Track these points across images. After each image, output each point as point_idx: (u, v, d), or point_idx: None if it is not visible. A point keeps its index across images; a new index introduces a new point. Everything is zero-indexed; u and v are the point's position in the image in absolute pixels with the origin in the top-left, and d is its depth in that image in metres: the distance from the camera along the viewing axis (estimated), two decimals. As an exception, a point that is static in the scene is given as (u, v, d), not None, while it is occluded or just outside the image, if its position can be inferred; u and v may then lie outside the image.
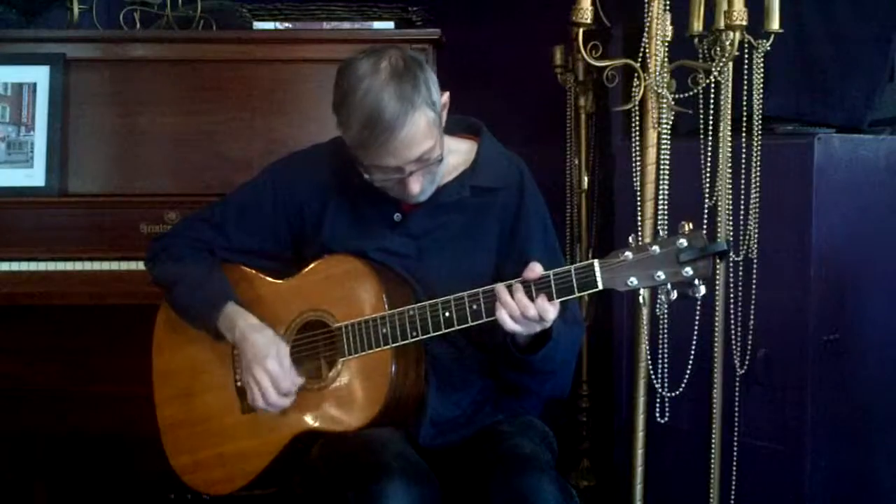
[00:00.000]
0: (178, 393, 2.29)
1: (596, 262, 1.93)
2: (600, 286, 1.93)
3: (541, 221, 2.23)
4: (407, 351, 2.09)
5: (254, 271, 2.26)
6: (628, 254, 1.92)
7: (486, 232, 2.19)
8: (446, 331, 2.04)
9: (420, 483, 1.98)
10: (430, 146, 2.05)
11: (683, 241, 1.89)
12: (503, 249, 2.19)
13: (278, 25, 3.01)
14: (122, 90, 2.92)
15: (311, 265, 2.19)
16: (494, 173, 2.20)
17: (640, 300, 2.53)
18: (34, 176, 2.87)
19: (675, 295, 1.91)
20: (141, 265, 2.74)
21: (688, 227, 1.91)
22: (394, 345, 2.07)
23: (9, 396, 3.03)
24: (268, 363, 2.11)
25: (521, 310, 1.94)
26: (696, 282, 1.89)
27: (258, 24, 3.02)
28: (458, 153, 2.20)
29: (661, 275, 1.90)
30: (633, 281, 1.92)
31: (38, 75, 2.90)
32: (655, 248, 1.90)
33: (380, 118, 1.99)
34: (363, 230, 2.19)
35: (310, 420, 2.14)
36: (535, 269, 1.96)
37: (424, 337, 2.06)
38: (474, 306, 2.01)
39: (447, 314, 2.03)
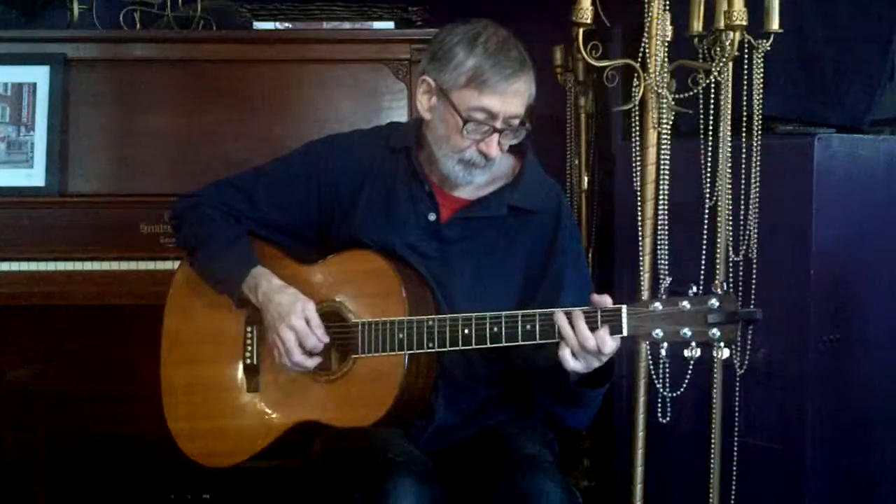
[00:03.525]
0: (185, 359, 2.28)
1: (624, 308, 1.91)
2: (625, 332, 1.91)
3: (575, 251, 2.23)
4: (419, 359, 2.09)
5: (278, 251, 2.25)
6: (657, 304, 1.89)
7: (515, 253, 2.18)
8: (463, 348, 2.03)
9: (429, 481, 1.97)
10: (523, 116, 2.11)
11: (715, 302, 1.86)
12: (533, 275, 2.17)
13: (278, 25, 3.01)
14: (122, 90, 2.93)
15: (337, 256, 2.19)
16: (533, 196, 2.20)
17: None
18: (34, 176, 2.87)
19: (697, 352, 1.89)
20: (141, 265, 2.77)
21: (721, 287, 1.88)
22: (408, 352, 2.06)
23: (9, 396, 3.03)
24: (292, 320, 2.10)
25: (581, 341, 1.91)
26: (721, 344, 1.87)
27: (258, 24, 3.02)
28: (503, 167, 2.21)
29: (687, 332, 1.87)
30: (659, 333, 1.89)
31: (38, 75, 2.90)
32: (685, 303, 1.88)
33: (510, 54, 2.07)
34: (394, 224, 2.18)
35: (314, 410, 2.14)
36: (606, 300, 1.94)
37: (440, 350, 2.06)
38: (495, 329, 2.00)
39: (466, 331, 2.02)
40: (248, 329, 2.23)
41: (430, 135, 2.17)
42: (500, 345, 2.00)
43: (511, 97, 2.07)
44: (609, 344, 1.91)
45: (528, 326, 1.98)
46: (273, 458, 2.26)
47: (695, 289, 1.89)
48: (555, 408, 2.15)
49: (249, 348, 2.21)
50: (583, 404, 2.09)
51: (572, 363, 1.93)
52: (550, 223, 2.19)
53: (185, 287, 2.31)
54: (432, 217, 2.17)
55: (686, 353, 1.89)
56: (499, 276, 2.16)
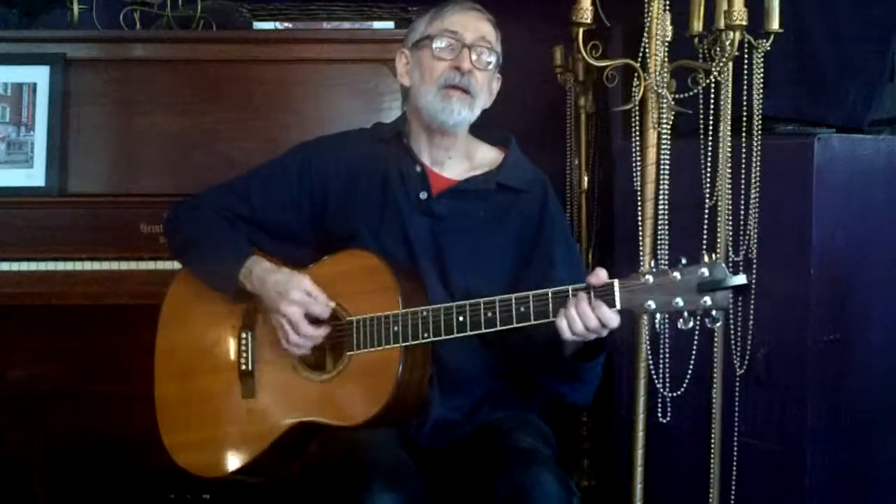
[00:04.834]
0: (179, 371, 2.28)
1: (616, 282, 1.94)
2: (618, 306, 1.94)
3: (563, 233, 2.28)
4: (415, 352, 2.09)
5: (274, 258, 2.25)
6: (649, 277, 1.92)
7: (506, 228, 2.22)
8: (458, 335, 2.04)
9: (403, 486, 1.97)
10: (492, 44, 2.22)
11: (704, 271, 1.89)
12: (524, 252, 2.20)
13: (278, 25, 3.01)
14: (122, 90, 2.92)
15: (331, 257, 2.20)
16: (519, 177, 2.26)
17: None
18: (34, 176, 2.87)
19: (691, 323, 1.92)
20: (141, 265, 2.77)
21: (710, 256, 1.91)
22: (404, 344, 2.07)
23: (9, 396, 3.03)
24: (293, 294, 2.11)
25: (583, 320, 1.93)
26: (714, 312, 1.89)
27: (258, 24, 3.02)
28: (488, 156, 2.28)
29: (679, 301, 1.90)
30: (651, 305, 1.92)
31: (38, 75, 2.90)
32: (676, 274, 1.90)
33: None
34: (391, 212, 2.21)
35: (310, 411, 2.14)
36: (600, 275, 1.95)
37: (436, 339, 2.06)
38: (489, 314, 2.01)
39: (461, 319, 2.03)
40: (244, 335, 2.22)
41: (413, 97, 2.24)
42: (496, 329, 2.01)
43: (472, 20, 2.21)
44: (613, 318, 1.94)
45: (522, 308, 1.99)
46: (269, 466, 2.23)
47: (684, 260, 1.92)
48: (557, 387, 2.17)
49: (245, 354, 2.21)
50: (583, 379, 2.12)
51: (568, 334, 1.95)
52: (538, 201, 2.25)
53: (179, 300, 2.32)
54: (423, 196, 2.21)
55: (680, 324, 1.92)
56: (491, 251, 2.19)
